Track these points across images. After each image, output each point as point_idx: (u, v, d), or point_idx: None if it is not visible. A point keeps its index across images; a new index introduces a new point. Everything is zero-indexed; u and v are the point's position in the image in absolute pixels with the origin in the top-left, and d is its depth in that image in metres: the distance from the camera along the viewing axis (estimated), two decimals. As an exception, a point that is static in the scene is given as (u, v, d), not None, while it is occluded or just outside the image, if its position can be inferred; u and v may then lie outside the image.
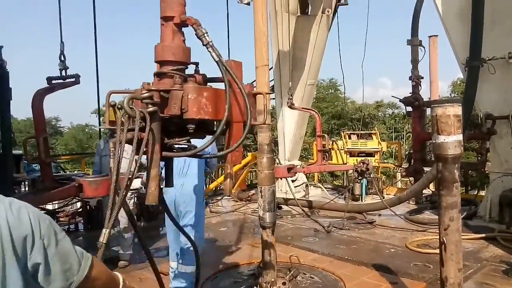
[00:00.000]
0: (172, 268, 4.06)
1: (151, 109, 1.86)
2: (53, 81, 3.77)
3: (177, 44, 2.05)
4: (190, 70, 2.18)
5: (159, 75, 2.07)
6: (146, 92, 1.89)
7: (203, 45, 1.98)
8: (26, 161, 8.19)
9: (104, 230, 1.80)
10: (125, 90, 2.15)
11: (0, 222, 1.13)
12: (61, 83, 3.71)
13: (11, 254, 1.14)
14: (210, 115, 2.00)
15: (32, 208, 1.24)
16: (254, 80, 4.29)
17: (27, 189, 7.59)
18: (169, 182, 2.30)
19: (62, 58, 3.70)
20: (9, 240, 1.13)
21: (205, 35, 1.98)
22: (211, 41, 1.99)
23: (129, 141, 1.80)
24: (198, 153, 2.14)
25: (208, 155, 3.17)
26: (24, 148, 5.31)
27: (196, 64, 2.17)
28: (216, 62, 2.00)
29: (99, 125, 17.67)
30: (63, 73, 3.74)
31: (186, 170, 4.04)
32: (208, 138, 2.10)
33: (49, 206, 8.73)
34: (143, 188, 4.62)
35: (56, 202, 8.67)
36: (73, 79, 3.73)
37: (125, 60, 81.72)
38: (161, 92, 1.96)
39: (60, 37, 4.04)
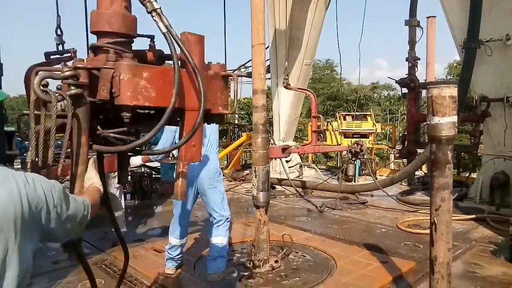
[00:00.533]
0: (170, 244, 4.06)
1: (73, 91, 1.53)
2: (51, 56, 3.64)
3: (115, 11, 1.68)
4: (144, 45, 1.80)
5: (94, 49, 1.73)
6: (69, 70, 1.55)
7: (147, 12, 1.65)
8: (19, 138, 8.10)
9: None
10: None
11: (21, 195, 1.16)
12: (57, 58, 3.58)
13: (29, 225, 1.19)
14: (152, 101, 1.62)
15: (44, 179, 1.28)
16: (250, 60, 4.23)
17: (20, 166, 7.53)
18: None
19: (59, 32, 3.57)
20: (27, 212, 1.17)
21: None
22: (159, 8, 1.64)
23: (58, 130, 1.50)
24: (146, 148, 1.86)
25: (157, 152, 3.06)
26: (17, 125, 5.23)
27: (151, 37, 1.85)
28: (163, 33, 1.64)
29: None
30: (60, 47, 3.62)
31: (210, 147, 4.03)
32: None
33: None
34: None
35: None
36: (69, 54, 3.59)
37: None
38: (90, 70, 1.60)
39: (56, 11, 3.86)
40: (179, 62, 1.69)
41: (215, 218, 4.05)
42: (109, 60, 1.61)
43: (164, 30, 1.65)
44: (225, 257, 4.03)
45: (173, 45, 1.62)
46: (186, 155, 1.85)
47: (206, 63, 1.95)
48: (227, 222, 4.08)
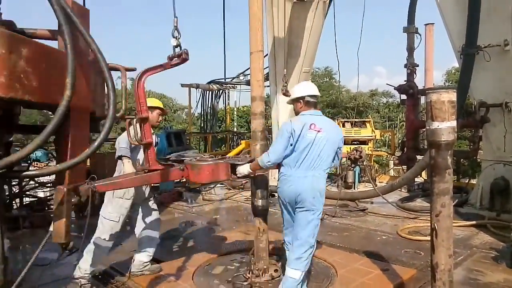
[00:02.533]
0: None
1: None
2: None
3: None
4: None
5: None
6: None
7: None
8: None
9: None
10: None
11: None
12: (170, 61, 3.48)
13: None
14: (34, 95, 1.13)
15: None
16: (248, 68, 4.23)
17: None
18: None
19: (176, 34, 3.44)
20: None
21: None
22: None
23: None
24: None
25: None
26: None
27: None
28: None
29: None
30: (177, 50, 3.48)
31: (319, 162, 3.47)
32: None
33: (41, 194, 8.68)
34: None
35: (48, 189, 8.65)
36: (182, 56, 3.45)
37: (117, 48, 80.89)
38: None
39: (173, 12, 3.62)
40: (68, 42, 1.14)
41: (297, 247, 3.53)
42: None
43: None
44: None
45: (61, 12, 1.10)
46: (69, 179, 1.48)
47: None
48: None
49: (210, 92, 14.63)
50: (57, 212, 1.35)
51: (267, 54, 9.79)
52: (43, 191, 8.93)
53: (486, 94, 6.76)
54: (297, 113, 3.72)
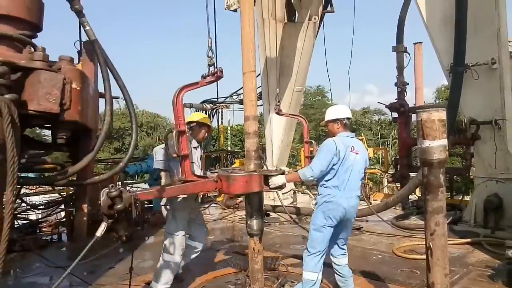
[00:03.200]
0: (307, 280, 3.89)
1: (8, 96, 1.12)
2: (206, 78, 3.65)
3: None
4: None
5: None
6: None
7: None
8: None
9: None
10: None
11: None
12: (205, 79, 3.66)
13: None
14: (85, 118, 1.42)
15: None
16: (241, 87, 4.27)
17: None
18: None
19: (210, 54, 3.64)
20: None
21: None
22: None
23: None
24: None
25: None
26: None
27: None
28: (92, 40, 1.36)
29: None
30: (211, 69, 3.66)
31: (358, 183, 3.81)
32: None
33: (32, 216, 8.55)
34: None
35: (40, 212, 8.53)
36: (217, 74, 3.64)
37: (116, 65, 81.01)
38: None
39: (208, 33, 3.90)
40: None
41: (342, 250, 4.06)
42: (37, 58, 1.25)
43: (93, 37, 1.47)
44: None
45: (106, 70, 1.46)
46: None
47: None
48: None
49: (204, 111, 14.68)
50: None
51: (259, 74, 9.90)
52: (35, 214, 8.80)
53: (476, 111, 6.87)
54: (333, 134, 3.90)
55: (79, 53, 2.55)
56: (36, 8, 1.56)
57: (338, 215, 3.72)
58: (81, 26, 2.05)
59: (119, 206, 2.69)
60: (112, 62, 2.17)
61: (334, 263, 4.04)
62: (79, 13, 1.93)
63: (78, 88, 1.48)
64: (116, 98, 3.05)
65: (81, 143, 2.64)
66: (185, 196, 4.12)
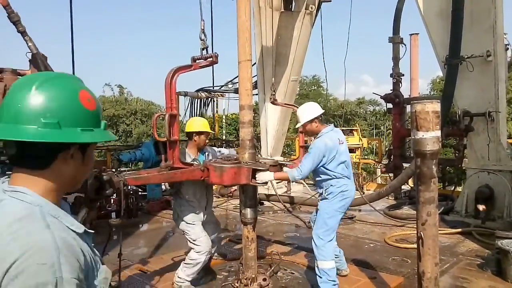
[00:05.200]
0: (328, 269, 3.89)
1: None
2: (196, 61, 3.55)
3: None
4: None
5: None
6: None
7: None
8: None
9: None
10: None
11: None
12: (199, 62, 3.57)
13: None
14: None
15: (32, 253, 0.90)
16: (237, 76, 4.24)
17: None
18: None
19: (203, 37, 3.54)
20: None
21: None
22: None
23: None
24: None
25: None
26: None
27: None
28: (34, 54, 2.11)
29: None
30: (204, 52, 3.57)
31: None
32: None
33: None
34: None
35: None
36: (211, 59, 3.56)
37: (104, 55, 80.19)
38: None
39: (200, 15, 3.79)
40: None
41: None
42: None
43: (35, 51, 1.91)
44: None
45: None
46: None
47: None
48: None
49: (199, 100, 14.59)
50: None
51: (255, 63, 9.85)
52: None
53: (470, 103, 6.91)
54: (316, 132, 3.97)
55: (30, 61, 3.02)
56: None
57: (349, 203, 4.00)
58: (26, 43, 2.75)
59: (108, 191, 2.64)
60: (49, 68, 3.01)
61: None
62: (23, 34, 2.75)
63: None
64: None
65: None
66: (193, 207, 4.01)
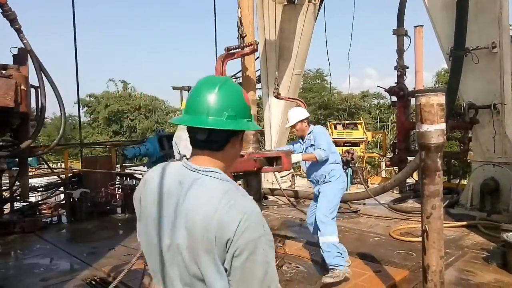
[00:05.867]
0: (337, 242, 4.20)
1: None
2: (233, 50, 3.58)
3: None
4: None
5: None
6: None
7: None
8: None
9: None
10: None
11: (211, 222, 1.20)
12: (240, 50, 3.59)
13: (209, 250, 1.20)
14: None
15: (248, 215, 1.21)
16: (240, 70, 4.24)
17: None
18: None
19: (240, 25, 3.55)
20: (211, 238, 1.19)
21: None
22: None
23: None
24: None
25: None
26: None
27: None
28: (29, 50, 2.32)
29: (79, 116, 17.39)
30: (242, 40, 3.56)
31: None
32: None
33: (32, 198, 8.59)
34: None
35: (39, 194, 8.57)
36: (252, 46, 3.58)
37: (107, 51, 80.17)
38: None
39: (237, 3, 3.87)
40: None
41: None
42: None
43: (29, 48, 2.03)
44: None
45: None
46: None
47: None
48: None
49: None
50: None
51: (258, 57, 9.82)
52: (35, 196, 8.84)
53: (475, 95, 6.85)
54: (303, 132, 4.44)
55: (15, 56, 3.14)
56: None
57: (345, 188, 4.59)
58: (20, 40, 2.88)
59: None
60: (42, 65, 3.12)
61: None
62: (18, 31, 2.85)
63: (25, 89, 2.36)
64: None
65: (22, 126, 3.28)
66: None
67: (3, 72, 2.79)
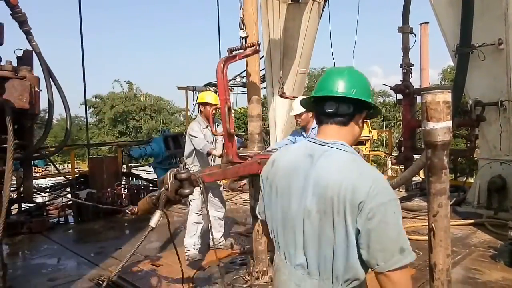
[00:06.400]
0: None
1: None
2: (234, 52, 3.53)
3: None
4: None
5: None
6: None
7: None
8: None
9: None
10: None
11: (343, 186, 1.34)
12: (242, 52, 3.56)
13: (340, 212, 1.35)
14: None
15: (378, 180, 1.37)
16: (245, 70, 4.23)
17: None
18: None
19: (242, 26, 3.53)
20: (342, 200, 1.34)
21: None
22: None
23: None
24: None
25: None
26: None
27: None
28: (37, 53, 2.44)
29: (86, 117, 17.48)
30: (243, 41, 3.54)
31: None
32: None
33: (39, 199, 8.66)
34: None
35: (46, 195, 8.64)
36: (254, 47, 3.55)
37: (113, 51, 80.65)
38: None
39: (239, 3, 3.83)
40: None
41: None
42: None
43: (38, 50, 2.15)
44: None
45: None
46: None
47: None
48: None
49: (207, 94, 14.61)
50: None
51: (262, 56, 9.80)
52: (42, 197, 8.92)
53: (481, 93, 6.80)
54: (307, 122, 4.45)
55: (19, 58, 3.08)
56: None
57: None
58: (29, 42, 2.88)
59: (188, 190, 2.46)
60: (49, 67, 3.13)
61: None
62: (27, 33, 2.82)
63: (38, 91, 2.38)
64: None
65: (28, 128, 3.24)
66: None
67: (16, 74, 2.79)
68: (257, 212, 1.74)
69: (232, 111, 3.55)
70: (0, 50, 2.67)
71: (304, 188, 1.43)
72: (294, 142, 4.74)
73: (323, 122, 1.52)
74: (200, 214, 4.96)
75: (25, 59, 3.06)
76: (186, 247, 4.83)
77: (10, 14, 2.86)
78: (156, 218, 2.55)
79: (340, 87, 1.47)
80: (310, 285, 1.44)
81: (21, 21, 2.79)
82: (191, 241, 4.86)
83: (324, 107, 1.49)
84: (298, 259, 1.45)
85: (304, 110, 4.35)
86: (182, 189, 2.51)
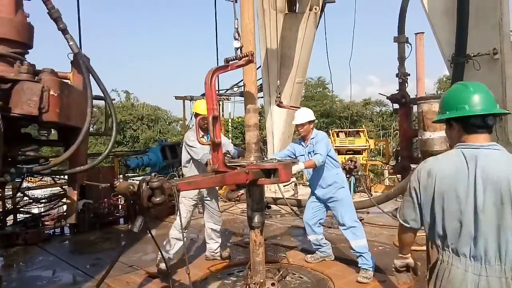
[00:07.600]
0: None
1: None
2: (230, 62, 3.50)
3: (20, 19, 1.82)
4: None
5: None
6: None
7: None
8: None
9: None
10: None
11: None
12: (235, 62, 3.52)
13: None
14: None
15: None
16: (242, 80, 4.24)
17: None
18: None
19: (237, 36, 3.50)
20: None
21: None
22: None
23: None
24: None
25: None
26: None
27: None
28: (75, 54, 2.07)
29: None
30: (239, 52, 3.52)
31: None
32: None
33: (35, 210, 8.58)
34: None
35: (42, 205, 8.57)
36: (247, 58, 3.50)
37: (110, 61, 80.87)
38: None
39: (233, 14, 3.77)
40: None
41: None
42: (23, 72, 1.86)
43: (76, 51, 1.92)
44: None
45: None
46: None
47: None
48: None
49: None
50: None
51: (260, 66, 9.85)
52: (37, 207, 8.84)
53: (478, 102, 6.82)
54: (308, 132, 4.60)
55: (72, 63, 2.77)
56: (26, 30, 2.22)
57: None
58: (67, 41, 2.57)
59: (158, 198, 2.48)
60: (94, 69, 2.73)
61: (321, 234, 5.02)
62: (64, 31, 2.51)
63: (56, 94, 2.04)
64: (100, 98, 3.34)
65: (71, 139, 2.83)
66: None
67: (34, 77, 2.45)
68: (402, 219, 2.13)
69: (220, 120, 3.53)
70: (61, 56, 2.51)
71: (471, 187, 1.66)
72: (293, 152, 4.74)
73: (475, 131, 1.81)
74: (181, 233, 4.66)
75: (76, 63, 2.81)
76: (159, 258, 4.67)
77: (47, 12, 2.56)
78: (138, 224, 2.70)
79: (493, 102, 1.86)
80: (490, 272, 1.64)
81: (55, 18, 2.50)
82: (165, 255, 4.64)
83: (486, 120, 1.81)
84: (475, 251, 1.67)
85: (307, 120, 4.51)
86: (153, 197, 2.51)
